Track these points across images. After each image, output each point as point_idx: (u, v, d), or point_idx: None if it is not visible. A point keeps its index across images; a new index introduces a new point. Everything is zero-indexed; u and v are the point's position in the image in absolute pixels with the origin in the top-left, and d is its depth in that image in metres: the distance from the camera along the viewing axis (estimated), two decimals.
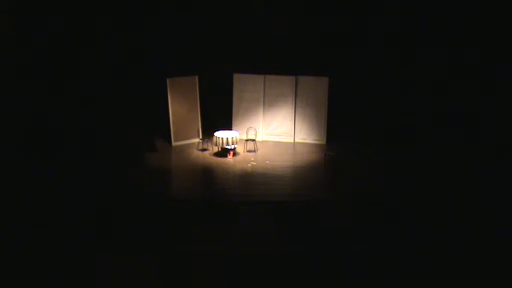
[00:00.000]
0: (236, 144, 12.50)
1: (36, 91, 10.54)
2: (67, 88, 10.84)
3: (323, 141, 13.46)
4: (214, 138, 12.48)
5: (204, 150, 12.95)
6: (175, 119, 13.27)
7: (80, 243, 8.04)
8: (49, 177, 10.04)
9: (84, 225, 8.55)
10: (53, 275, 7.35)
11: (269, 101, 13.74)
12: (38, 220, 8.64)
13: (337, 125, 13.42)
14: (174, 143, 13.28)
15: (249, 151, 12.82)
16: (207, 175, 11.69)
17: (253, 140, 13.06)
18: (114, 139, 11.39)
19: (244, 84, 13.85)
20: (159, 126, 13.33)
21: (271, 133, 13.81)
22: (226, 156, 12.42)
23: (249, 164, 12.00)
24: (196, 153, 12.79)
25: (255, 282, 7.36)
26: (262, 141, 13.58)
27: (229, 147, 12.38)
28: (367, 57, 13.36)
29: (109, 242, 8.13)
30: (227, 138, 12.31)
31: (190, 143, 13.36)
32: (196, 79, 13.51)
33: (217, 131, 12.67)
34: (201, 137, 13.34)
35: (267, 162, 12.16)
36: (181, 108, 13.36)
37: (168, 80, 13.09)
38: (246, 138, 13.05)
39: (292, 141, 13.68)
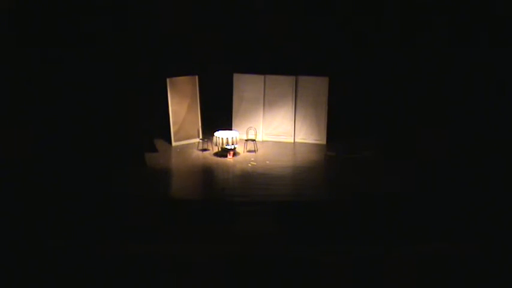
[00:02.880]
0: (236, 144, 12.50)
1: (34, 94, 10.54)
2: (65, 88, 10.83)
3: (323, 141, 13.45)
4: (214, 138, 12.48)
5: (204, 150, 12.95)
6: (175, 119, 13.27)
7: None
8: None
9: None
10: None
11: (269, 101, 13.74)
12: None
13: (337, 124, 13.43)
14: (174, 143, 13.27)
15: (249, 151, 12.82)
16: (207, 175, 11.68)
17: (253, 140, 13.05)
18: (113, 139, 11.38)
19: (244, 84, 13.84)
20: (159, 126, 13.35)
21: (271, 133, 13.81)
22: (226, 156, 12.42)
23: (249, 164, 12.00)
24: (196, 153, 12.79)
25: (255, 282, 7.36)
26: (262, 141, 13.58)
27: (229, 147, 12.38)
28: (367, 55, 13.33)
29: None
30: (227, 138, 12.30)
31: (190, 143, 13.35)
32: (196, 79, 13.51)
33: (217, 131, 12.67)
34: (201, 137, 13.33)
35: (267, 162, 12.16)
36: (181, 108, 13.36)
37: (168, 80, 13.09)
38: (246, 138, 13.05)
39: (292, 141, 13.67)
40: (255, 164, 12.04)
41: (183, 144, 13.30)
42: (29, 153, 10.25)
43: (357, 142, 12.90)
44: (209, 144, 13.00)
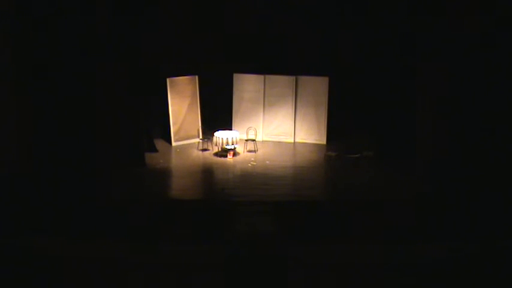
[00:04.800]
0: (236, 144, 12.50)
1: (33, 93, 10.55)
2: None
3: (323, 141, 13.45)
4: (214, 138, 12.48)
5: (204, 150, 12.95)
6: (175, 119, 13.27)
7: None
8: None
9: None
10: None
11: (269, 101, 13.74)
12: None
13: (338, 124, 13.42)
14: (174, 143, 13.27)
15: (249, 151, 12.82)
16: (207, 175, 11.69)
17: (254, 140, 13.05)
18: (113, 139, 11.37)
19: (244, 84, 13.85)
20: (159, 126, 13.36)
21: (271, 133, 13.81)
22: (226, 156, 12.42)
23: (249, 164, 12.00)
24: (196, 153, 12.79)
25: (254, 282, 7.36)
26: (262, 141, 13.58)
27: (229, 147, 12.38)
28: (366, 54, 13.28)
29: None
30: (227, 138, 12.30)
31: (190, 143, 13.35)
32: (196, 79, 13.51)
33: (217, 131, 12.67)
34: (201, 137, 13.33)
35: (267, 162, 12.16)
36: (181, 108, 13.36)
37: (168, 80, 13.09)
38: (246, 138, 13.05)
39: (292, 141, 13.67)
40: (255, 164, 12.04)
41: (183, 144, 13.30)
42: (27, 154, 10.28)
43: (357, 142, 12.88)
44: (209, 144, 13.00)
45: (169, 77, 13.11)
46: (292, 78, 13.55)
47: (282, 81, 13.63)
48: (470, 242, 8.09)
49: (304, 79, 13.54)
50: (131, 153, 11.65)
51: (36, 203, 9.17)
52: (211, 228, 8.68)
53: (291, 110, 13.62)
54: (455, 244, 8.04)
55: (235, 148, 12.52)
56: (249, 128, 13.20)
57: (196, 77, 13.50)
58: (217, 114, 13.71)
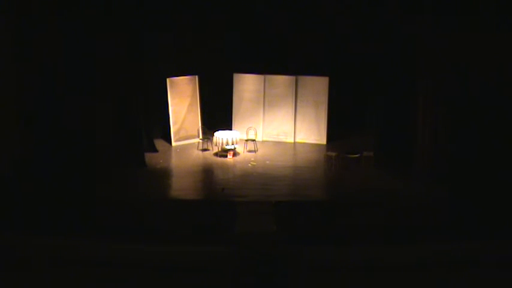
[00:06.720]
0: (236, 144, 12.50)
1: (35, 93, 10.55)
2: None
3: (323, 141, 13.45)
4: (214, 138, 12.48)
5: (204, 150, 12.95)
6: (175, 119, 13.27)
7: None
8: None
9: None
10: None
11: (269, 101, 13.74)
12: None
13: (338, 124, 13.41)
14: (174, 143, 13.28)
15: (249, 151, 12.82)
16: (207, 175, 11.69)
17: (254, 140, 13.05)
18: (113, 139, 11.38)
19: (244, 84, 13.85)
20: (159, 126, 13.36)
21: (271, 133, 13.81)
22: (226, 156, 12.42)
23: (249, 164, 12.00)
24: (196, 153, 12.79)
25: (254, 281, 7.36)
26: (262, 141, 13.58)
27: (229, 147, 12.39)
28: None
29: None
30: (227, 139, 12.31)
31: (190, 143, 13.35)
32: (196, 79, 13.51)
33: (217, 131, 12.67)
34: (201, 137, 13.33)
35: (267, 162, 12.16)
36: (181, 108, 13.36)
37: (168, 80, 13.09)
38: (246, 139, 13.05)
39: (292, 141, 13.67)
40: (255, 164, 12.04)
41: (183, 144, 13.30)
42: (30, 152, 10.29)
43: (357, 142, 12.88)
44: (209, 144, 13.00)
45: (169, 77, 13.11)
46: (292, 78, 13.55)
47: (282, 81, 13.63)
48: (470, 242, 8.10)
49: (304, 79, 13.53)
50: (131, 153, 11.66)
51: (35, 203, 9.18)
52: (211, 228, 8.68)
53: (291, 110, 13.62)
54: (456, 244, 8.05)
55: (235, 148, 12.52)
56: (249, 128, 13.20)
57: (196, 77, 13.50)
58: (217, 114, 13.71)
